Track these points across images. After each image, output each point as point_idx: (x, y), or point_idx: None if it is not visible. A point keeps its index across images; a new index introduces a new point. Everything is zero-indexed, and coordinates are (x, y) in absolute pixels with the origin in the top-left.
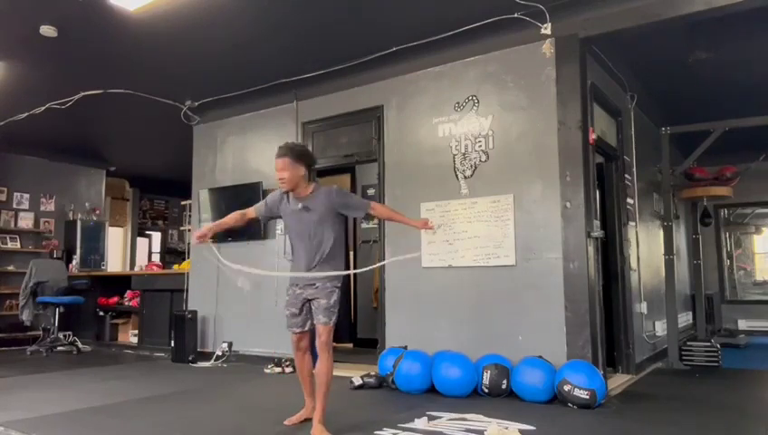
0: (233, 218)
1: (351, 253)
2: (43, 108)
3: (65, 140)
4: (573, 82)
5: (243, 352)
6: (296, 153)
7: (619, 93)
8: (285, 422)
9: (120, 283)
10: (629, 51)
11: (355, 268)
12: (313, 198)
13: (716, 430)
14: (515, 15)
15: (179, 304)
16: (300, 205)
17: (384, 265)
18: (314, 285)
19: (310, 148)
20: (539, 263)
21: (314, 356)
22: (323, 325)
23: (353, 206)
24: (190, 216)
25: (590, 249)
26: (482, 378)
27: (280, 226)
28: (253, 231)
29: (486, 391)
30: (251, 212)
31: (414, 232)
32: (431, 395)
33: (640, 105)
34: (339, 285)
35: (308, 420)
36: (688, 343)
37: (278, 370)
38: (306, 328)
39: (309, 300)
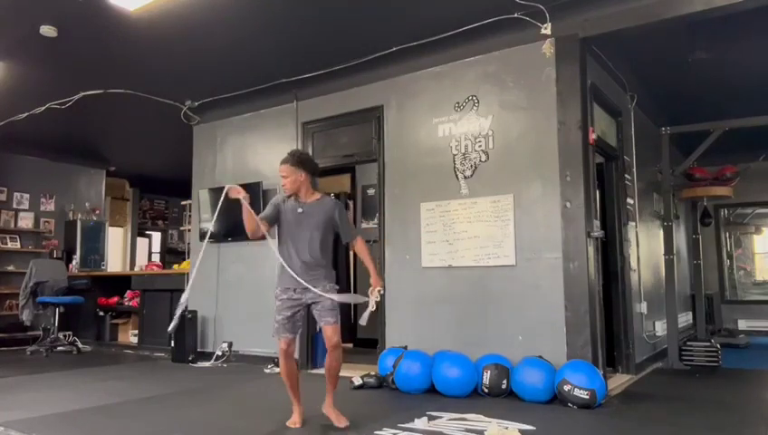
0: (257, 220)
1: (351, 253)
2: (43, 108)
3: (65, 140)
4: (573, 82)
5: (243, 352)
6: (296, 159)
7: (619, 93)
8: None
9: (119, 283)
10: (629, 51)
11: (354, 271)
12: (317, 206)
13: (717, 430)
14: (515, 15)
15: None
16: (300, 208)
17: (384, 266)
18: (315, 287)
19: (310, 148)
20: (539, 263)
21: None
22: (332, 326)
23: (345, 226)
24: (190, 216)
25: (590, 249)
26: (482, 378)
27: None
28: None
29: (486, 390)
30: (265, 224)
31: (412, 234)
32: (431, 395)
33: (640, 105)
34: (336, 285)
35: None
36: (688, 343)
37: (278, 370)
38: (296, 333)
39: (308, 304)
